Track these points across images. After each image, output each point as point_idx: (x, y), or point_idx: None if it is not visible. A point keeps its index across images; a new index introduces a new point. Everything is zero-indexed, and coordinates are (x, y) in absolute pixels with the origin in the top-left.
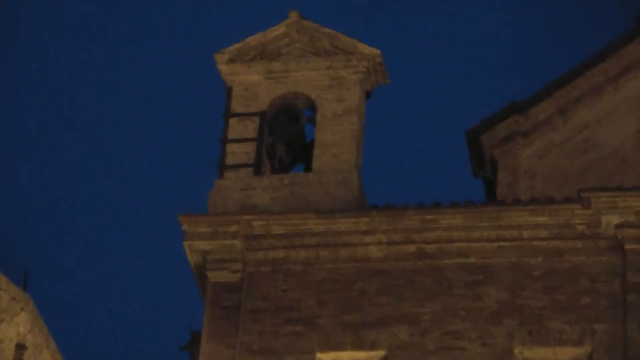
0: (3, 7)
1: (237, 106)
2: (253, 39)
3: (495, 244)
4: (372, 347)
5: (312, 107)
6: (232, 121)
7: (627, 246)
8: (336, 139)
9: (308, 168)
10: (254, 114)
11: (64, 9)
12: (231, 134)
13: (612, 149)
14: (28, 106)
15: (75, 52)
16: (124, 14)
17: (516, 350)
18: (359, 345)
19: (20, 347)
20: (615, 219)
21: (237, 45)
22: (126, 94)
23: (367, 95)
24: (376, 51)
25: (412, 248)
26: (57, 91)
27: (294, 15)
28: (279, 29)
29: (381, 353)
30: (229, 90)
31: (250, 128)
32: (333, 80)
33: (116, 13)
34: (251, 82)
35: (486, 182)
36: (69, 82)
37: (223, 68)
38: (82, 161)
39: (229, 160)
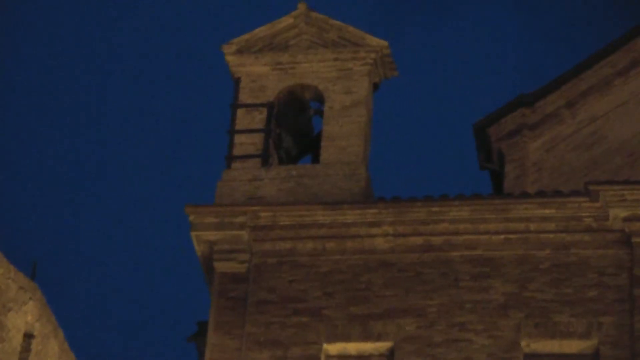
0: (6, 7)
1: (244, 97)
2: (261, 30)
3: (502, 237)
4: (379, 338)
5: (319, 98)
6: (240, 112)
7: (635, 239)
8: (344, 131)
9: (315, 160)
10: (262, 105)
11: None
12: (239, 125)
13: (620, 143)
14: (35, 96)
15: (83, 43)
16: (132, 6)
17: (523, 343)
18: (365, 337)
19: (28, 337)
20: (623, 212)
21: (245, 37)
22: (134, 85)
23: (375, 87)
24: (384, 43)
25: (419, 240)
26: (66, 82)
27: (302, 7)
28: (287, 21)
29: (388, 345)
30: (236, 82)
31: (257, 119)
32: (341, 72)
33: (124, 5)
34: (259, 74)
35: (493, 175)
36: (79, 73)
37: (231, 59)
38: (90, 152)
39: (237, 151)
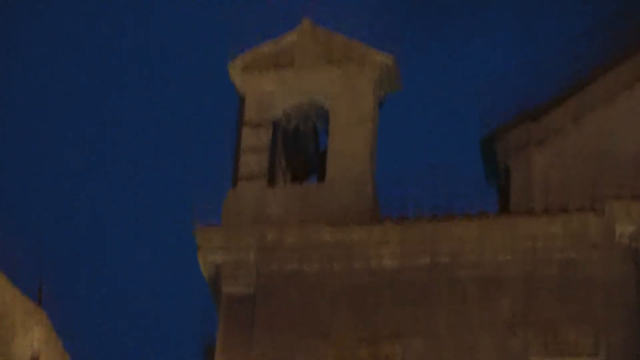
0: (8, 7)
1: (250, 115)
2: (266, 47)
3: (509, 254)
4: (387, 357)
5: (325, 115)
6: (246, 130)
7: None
8: (350, 148)
9: (321, 177)
10: (267, 123)
11: (78, 19)
12: (244, 144)
13: (625, 157)
14: (45, 128)
15: (93, 66)
16: (138, 27)
17: None
18: (374, 357)
19: None
20: (630, 228)
21: (250, 54)
22: (140, 105)
23: (380, 102)
24: (389, 57)
25: (426, 259)
26: (74, 103)
27: (306, 23)
28: (291, 37)
29: None
30: (242, 99)
31: (263, 137)
32: (346, 88)
33: (130, 26)
34: (264, 91)
35: (500, 190)
36: (88, 96)
37: (236, 77)
38: (97, 177)
39: (243, 170)
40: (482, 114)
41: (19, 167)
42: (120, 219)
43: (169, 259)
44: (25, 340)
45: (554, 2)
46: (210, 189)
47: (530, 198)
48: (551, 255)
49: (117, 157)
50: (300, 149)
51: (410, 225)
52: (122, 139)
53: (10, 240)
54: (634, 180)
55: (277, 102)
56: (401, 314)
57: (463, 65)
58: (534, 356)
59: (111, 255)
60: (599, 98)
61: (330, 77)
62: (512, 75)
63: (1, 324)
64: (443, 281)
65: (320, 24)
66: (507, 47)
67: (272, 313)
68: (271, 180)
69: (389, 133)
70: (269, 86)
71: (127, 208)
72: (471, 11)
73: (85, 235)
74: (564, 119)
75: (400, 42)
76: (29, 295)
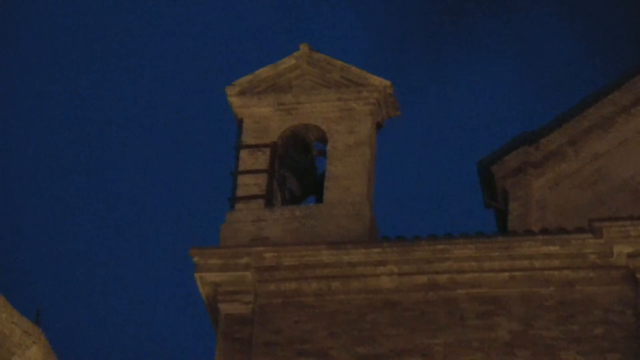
0: (6, 7)
1: (248, 138)
2: (263, 71)
3: (507, 275)
4: None
5: (323, 138)
6: (243, 153)
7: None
8: (347, 171)
9: (319, 200)
10: (265, 146)
11: (71, 32)
12: (242, 166)
13: (623, 180)
14: (39, 120)
15: (84, 65)
16: (134, 47)
17: None
18: None
19: None
20: (627, 249)
21: (248, 78)
22: (137, 126)
23: (378, 126)
24: (387, 82)
25: (424, 279)
26: (67, 102)
27: (304, 48)
28: (289, 61)
29: None
30: (239, 123)
31: (261, 160)
32: (344, 112)
33: (126, 46)
34: (262, 115)
35: (497, 213)
36: (82, 110)
37: (234, 100)
38: (93, 195)
39: (240, 192)
40: (480, 137)
41: (12, 171)
42: (118, 240)
43: (166, 279)
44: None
45: (552, 27)
46: (208, 211)
47: (528, 220)
48: (549, 275)
49: (115, 178)
50: (298, 171)
51: (408, 246)
52: (120, 159)
53: (7, 262)
54: (631, 203)
55: (274, 125)
56: (399, 334)
57: (461, 89)
58: None
59: (109, 276)
60: (596, 122)
61: (327, 101)
62: (510, 99)
63: None
64: (441, 301)
65: (318, 50)
66: (504, 72)
67: (270, 333)
68: (269, 203)
69: (388, 156)
70: (267, 110)
71: (126, 229)
72: (469, 37)
73: (82, 254)
74: (562, 143)
75: (397, 67)
76: (26, 314)
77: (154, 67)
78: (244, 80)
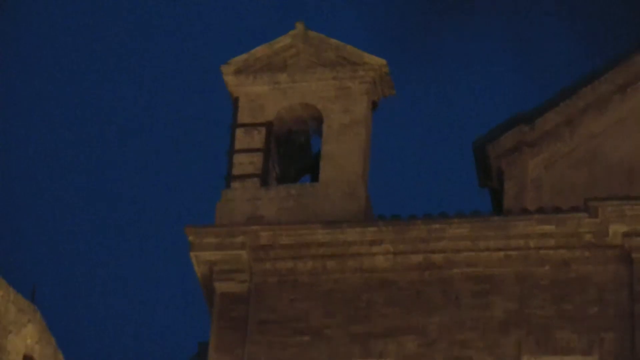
0: (5, 8)
1: (243, 117)
2: (259, 50)
3: (502, 254)
4: (380, 357)
5: (318, 118)
6: (239, 132)
7: (635, 255)
8: (343, 150)
9: (315, 179)
10: (261, 125)
11: (71, 23)
12: (238, 145)
13: (618, 159)
14: (40, 120)
15: (84, 65)
16: (130, 28)
17: None
18: (366, 356)
19: (28, 359)
20: (623, 228)
21: (243, 57)
22: (133, 105)
23: (374, 105)
24: (382, 61)
25: (419, 258)
26: (67, 102)
27: (300, 27)
28: (285, 40)
29: None
30: (235, 102)
31: (257, 139)
32: (339, 91)
33: (123, 27)
34: (257, 94)
35: (493, 193)
36: (80, 94)
37: (229, 79)
38: (90, 175)
39: (236, 171)
40: (475, 116)
41: (12, 171)
42: (114, 219)
43: (162, 258)
44: (18, 338)
45: (552, 27)
46: (204, 189)
47: (523, 200)
48: (544, 254)
49: (111, 157)
50: (294, 150)
51: (403, 225)
52: (116, 139)
53: (4, 241)
54: (626, 182)
55: (270, 105)
56: (394, 313)
57: (456, 68)
58: (527, 355)
59: (104, 254)
60: (591, 102)
61: (323, 80)
62: (506, 78)
63: None
64: (436, 280)
65: (314, 29)
66: (501, 51)
67: (266, 312)
68: (264, 182)
69: (384, 136)
70: (263, 89)
71: (121, 207)
72: (465, 15)
73: (79, 234)
74: (557, 122)
75: (393, 46)
76: (22, 293)
77: (154, 67)
78: (240, 59)
